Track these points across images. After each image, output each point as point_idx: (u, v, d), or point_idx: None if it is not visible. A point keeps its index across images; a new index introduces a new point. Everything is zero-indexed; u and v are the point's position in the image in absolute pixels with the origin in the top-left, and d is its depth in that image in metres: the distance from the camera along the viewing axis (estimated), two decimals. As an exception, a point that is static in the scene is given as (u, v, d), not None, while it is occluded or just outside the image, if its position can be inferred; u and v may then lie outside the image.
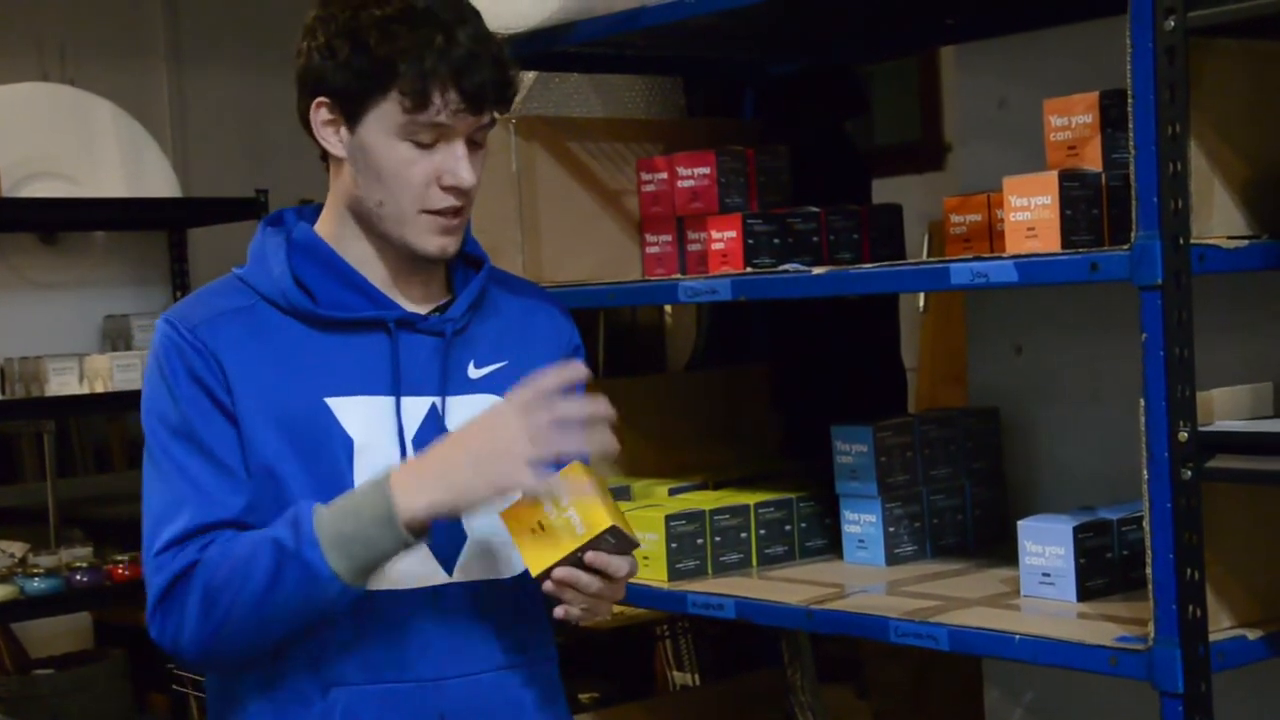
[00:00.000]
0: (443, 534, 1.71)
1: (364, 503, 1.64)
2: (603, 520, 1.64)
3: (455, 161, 1.71)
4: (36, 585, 3.76)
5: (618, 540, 1.66)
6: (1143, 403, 1.81)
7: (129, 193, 4.20)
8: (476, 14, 1.74)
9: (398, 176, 1.71)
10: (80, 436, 5.01)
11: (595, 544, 1.65)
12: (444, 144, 1.71)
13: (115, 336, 4.24)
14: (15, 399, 3.88)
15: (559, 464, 1.67)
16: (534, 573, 1.66)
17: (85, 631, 4.35)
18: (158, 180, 4.30)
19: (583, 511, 1.64)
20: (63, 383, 3.87)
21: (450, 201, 1.72)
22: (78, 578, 3.81)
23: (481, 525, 1.74)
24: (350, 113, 1.71)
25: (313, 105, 1.74)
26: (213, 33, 5.30)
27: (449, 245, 1.75)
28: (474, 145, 1.74)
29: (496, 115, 1.75)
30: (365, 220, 1.77)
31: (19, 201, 3.99)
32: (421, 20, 1.68)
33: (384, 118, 1.69)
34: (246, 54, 5.28)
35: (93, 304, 4.29)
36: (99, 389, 3.92)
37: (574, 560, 1.65)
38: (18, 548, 3.97)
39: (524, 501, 1.66)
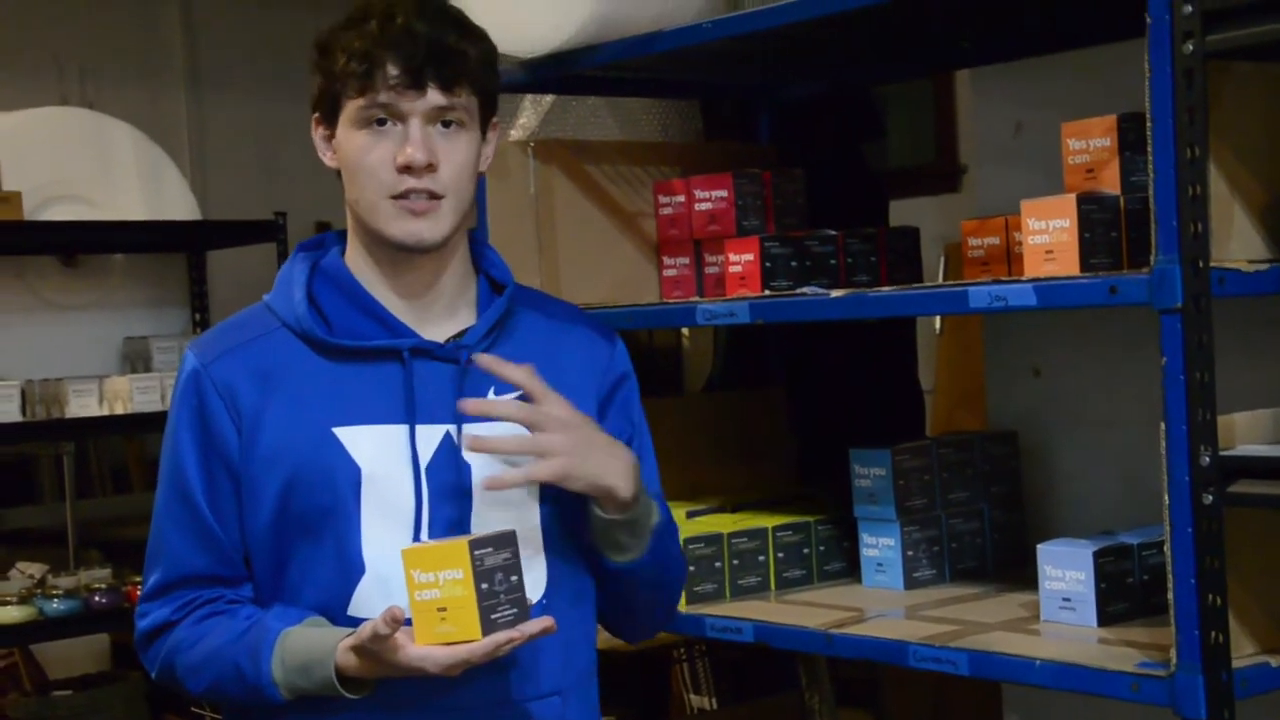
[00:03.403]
0: None
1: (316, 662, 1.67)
2: (461, 548, 1.59)
3: (406, 141, 1.71)
4: (55, 606, 3.77)
5: (488, 542, 1.61)
6: (1163, 427, 1.80)
7: (148, 215, 4.21)
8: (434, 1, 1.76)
9: (360, 165, 1.73)
10: (99, 458, 5.02)
11: (479, 561, 1.60)
12: (400, 127, 1.72)
13: (135, 358, 4.25)
14: (35, 420, 3.89)
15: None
16: (480, 636, 1.60)
17: (103, 653, 4.35)
18: (176, 203, 4.32)
19: (445, 558, 1.60)
20: (82, 404, 3.88)
21: (409, 183, 1.71)
22: (96, 599, 3.82)
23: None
24: (330, 120, 1.77)
25: (312, 125, 1.79)
26: (230, 56, 5.33)
27: (422, 231, 1.73)
28: (445, 129, 1.73)
29: (464, 98, 1.72)
30: (361, 227, 1.78)
31: (39, 224, 4.01)
32: (368, 14, 1.73)
33: (347, 114, 1.74)
34: (264, 78, 5.31)
35: (112, 326, 4.30)
36: (119, 410, 3.93)
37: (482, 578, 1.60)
38: (37, 569, 3.98)
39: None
